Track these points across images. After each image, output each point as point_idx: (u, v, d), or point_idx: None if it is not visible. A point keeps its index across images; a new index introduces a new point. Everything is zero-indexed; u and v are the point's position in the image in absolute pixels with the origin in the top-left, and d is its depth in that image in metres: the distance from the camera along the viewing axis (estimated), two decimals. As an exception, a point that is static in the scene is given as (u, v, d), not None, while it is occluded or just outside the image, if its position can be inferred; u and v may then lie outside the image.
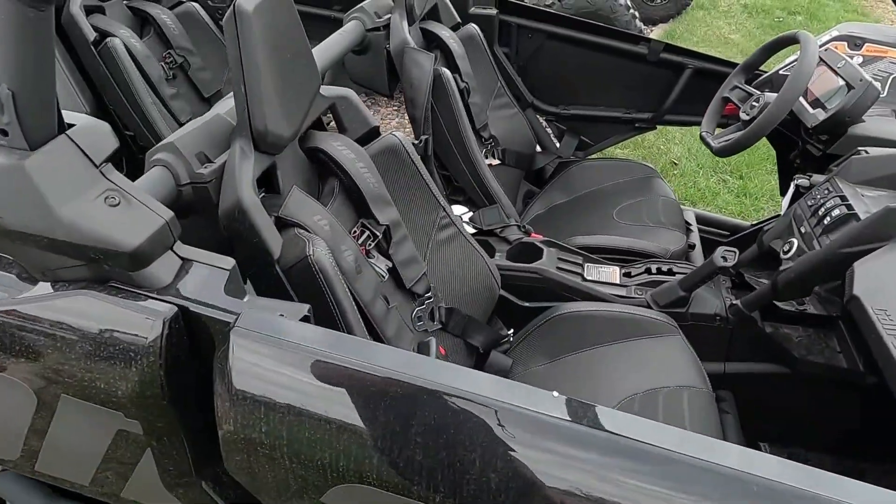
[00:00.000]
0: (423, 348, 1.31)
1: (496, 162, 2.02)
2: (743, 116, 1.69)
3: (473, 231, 1.70)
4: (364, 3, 1.66)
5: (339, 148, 1.18)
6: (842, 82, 1.60)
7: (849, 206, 1.34)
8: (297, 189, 1.07)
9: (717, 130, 1.85)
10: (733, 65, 2.03)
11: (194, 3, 2.06)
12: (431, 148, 1.63)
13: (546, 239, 1.69)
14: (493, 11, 2.07)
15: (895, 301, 1.02)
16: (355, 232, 1.20)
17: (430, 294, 1.32)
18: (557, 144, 2.32)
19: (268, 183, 1.09)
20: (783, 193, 2.21)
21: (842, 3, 6.12)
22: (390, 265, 1.24)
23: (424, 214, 1.36)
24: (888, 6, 6.17)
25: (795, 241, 1.43)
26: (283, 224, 1.03)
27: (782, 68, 1.89)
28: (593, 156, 2.37)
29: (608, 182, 2.12)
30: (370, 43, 1.63)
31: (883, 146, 1.54)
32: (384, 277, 1.22)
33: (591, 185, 2.13)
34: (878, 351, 0.99)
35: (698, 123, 2.18)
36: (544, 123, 2.40)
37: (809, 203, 1.45)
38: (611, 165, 2.17)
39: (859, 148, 1.50)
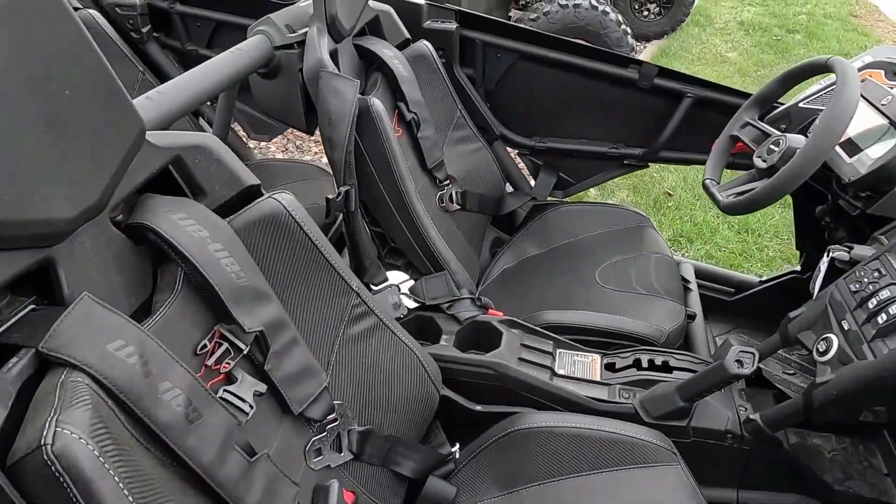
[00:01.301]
0: (319, 495, 0.91)
1: (455, 207, 1.62)
2: (759, 163, 1.29)
3: (415, 305, 1.30)
4: (275, 13, 1.27)
5: (182, 224, 0.79)
6: (885, 122, 1.20)
7: None
8: (87, 299, 0.67)
9: (725, 174, 1.45)
10: (743, 94, 1.63)
11: (91, 11, 1.67)
12: (357, 201, 1.23)
13: (507, 318, 1.29)
14: (453, 26, 1.68)
15: None
16: (205, 347, 0.79)
17: (333, 416, 0.94)
18: (532, 183, 1.92)
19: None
20: (800, 248, 1.81)
21: (841, 22, 5.76)
22: (262, 390, 0.84)
23: (328, 304, 0.99)
24: (888, 26, 5.82)
25: (835, 340, 1.03)
26: (43, 366, 0.62)
27: (804, 100, 1.50)
28: (574, 196, 1.97)
29: (591, 231, 1.72)
30: (280, 64, 1.24)
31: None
32: (247, 412, 0.81)
33: (570, 234, 1.72)
34: None
35: (699, 162, 1.79)
36: (516, 159, 2.00)
37: (853, 287, 1.05)
38: (595, 211, 1.76)
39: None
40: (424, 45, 1.54)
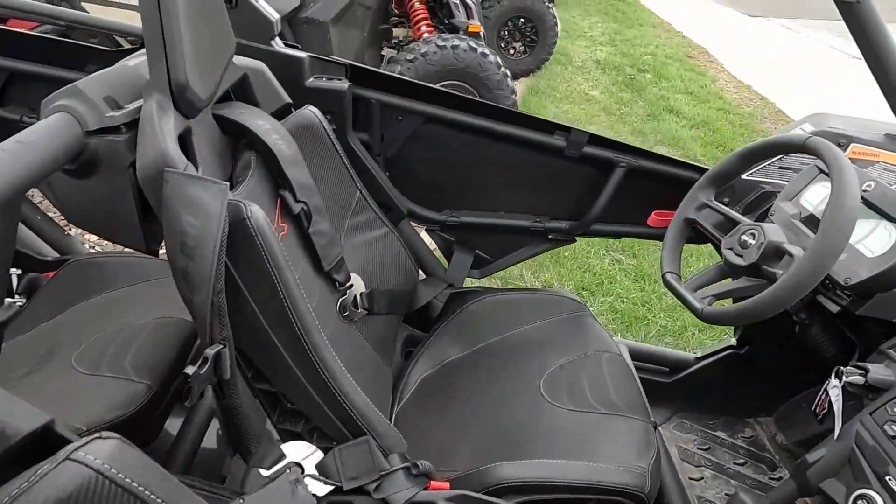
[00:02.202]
0: None
1: (361, 313, 1.24)
2: (732, 258, 1.07)
3: (327, 490, 0.89)
4: (88, 77, 0.81)
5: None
6: (873, 213, 1.02)
7: None
8: None
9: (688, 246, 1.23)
10: (680, 164, 1.44)
11: None
12: (233, 360, 0.81)
13: (457, 494, 0.93)
14: (344, 84, 1.31)
15: None
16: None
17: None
18: (446, 265, 1.60)
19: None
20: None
21: (680, 63, 6.18)
22: None
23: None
24: (717, 65, 6.35)
25: (878, 500, 0.81)
26: None
27: (747, 171, 1.33)
28: (499, 274, 1.67)
29: (523, 325, 1.42)
30: (97, 157, 0.79)
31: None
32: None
33: (499, 329, 1.41)
34: None
35: (634, 235, 1.57)
36: (426, 237, 1.67)
37: (891, 431, 0.84)
38: (525, 300, 1.47)
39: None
40: (310, 112, 1.15)
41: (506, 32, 5.03)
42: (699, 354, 1.67)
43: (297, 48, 1.30)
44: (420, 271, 1.55)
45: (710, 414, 1.66)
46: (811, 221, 1.11)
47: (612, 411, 1.18)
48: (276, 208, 1.06)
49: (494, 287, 1.51)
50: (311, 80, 1.28)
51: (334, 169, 1.21)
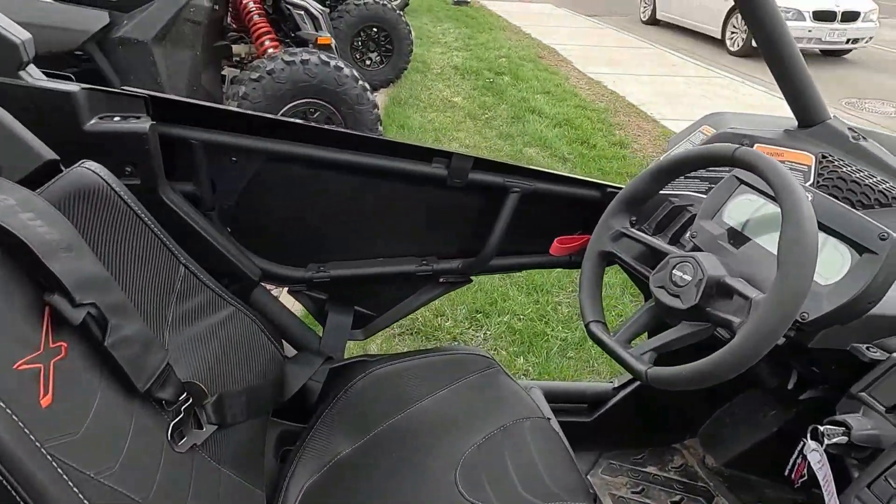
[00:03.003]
0: None
1: (206, 433, 0.89)
2: (665, 298, 0.87)
3: None
4: None
5: None
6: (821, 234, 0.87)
7: None
8: None
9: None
10: (581, 182, 1.23)
11: None
12: None
13: None
14: (145, 124, 0.93)
15: None
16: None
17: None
18: (321, 331, 1.27)
19: None
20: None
21: (533, 64, 6.27)
22: None
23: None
24: (568, 65, 6.53)
25: None
26: None
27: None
28: (392, 326, 1.38)
29: (425, 396, 1.13)
30: None
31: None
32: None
33: (397, 407, 1.11)
34: None
35: (539, 266, 1.35)
36: (290, 300, 1.33)
37: (885, 497, 0.67)
38: (422, 367, 1.18)
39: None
40: (86, 170, 0.79)
41: (359, 43, 4.75)
42: (616, 384, 1.50)
43: (68, 79, 0.91)
44: (287, 346, 1.22)
45: (636, 447, 1.49)
46: (736, 238, 0.95)
47: (548, 501, 0.94)
48: (43, 323, 0.69)
49: (383, 354, 1.22)
50: (92, 121, 0.91)
51: (140, 243, 0.85)
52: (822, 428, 0.74)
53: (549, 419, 1.27)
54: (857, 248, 0.80)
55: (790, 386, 1.08)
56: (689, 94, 5.58)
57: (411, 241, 1.26)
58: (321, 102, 2.98)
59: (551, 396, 1.44)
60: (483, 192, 1.20)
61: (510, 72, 5.76)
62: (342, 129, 1.13)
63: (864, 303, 0.78)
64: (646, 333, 0.98)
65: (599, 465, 1.45)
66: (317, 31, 3.18)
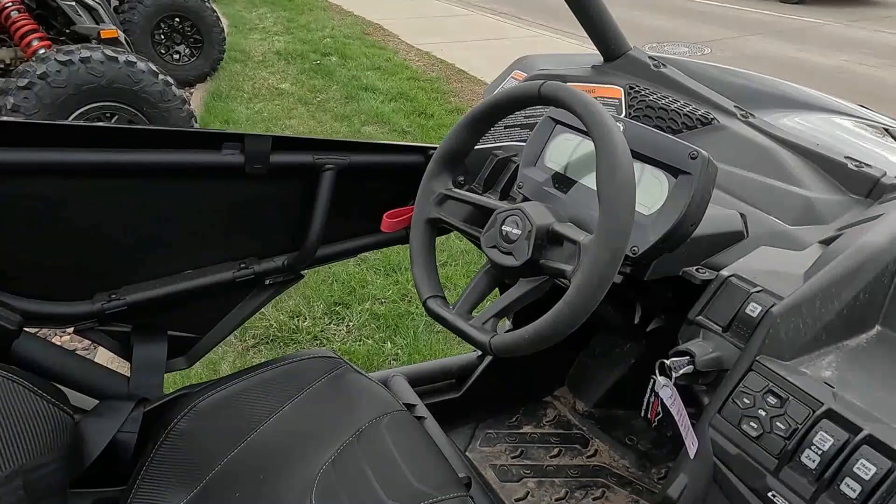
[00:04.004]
0: None
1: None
2: (499, 258, 0.79)
3: None
4: None
5: None
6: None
7: (855, 431, 0.57)
8: None
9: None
10: (402, 148, 1.12)
11: None
12: None
13: None
14: None
15: None
16: None
17: None
18: (128, 374, 1.05)
19: None
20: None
21: (360, 41, 6.07)
22: None
23: None
24: (396, 39, 6.41)
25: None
26: None
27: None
28: (243, 339, 1.18)
29: (266, 420, 0.97)
30: None
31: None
32: None
33: (233, 439, 0.94)
34: None
35: (372, 247, 1.22)
36: (80, 341, 1.08)
37: (750, 430, 0.64)
38: (260, 384, 1.01)
39: (724, 274, 0.77)
40: None
41: (161, 36, 4.24)
42: (480, 352, 1.44)
43: None
44: (86, 398, 0.99)
45: (510, 410, 1.46)
46: (562, 182, 0.89)
47: (416, 502, 0.84)
48: None
49: (209, 380, 1.02)
50: None
51: None
52: (668, 362, 0.71)
53: (414, 406, 1.18)
54: (673, 171, 0.77)
55: (636, 321, 1.08)
56: (516, 55, 5.73)
57: (221, 245, 1.08)
58: (118, 105, 2.58)
59: (416, 380, 1.35)
60: (292, 175, 1.04)
61: (337, 51, 5.52)
62: (94, 125, 0.91)
63: (687, 226, 0.75)
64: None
65: (477, 439, 1.39)
66: (98, 23, 2.74)
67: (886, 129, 1.22)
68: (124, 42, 2.80)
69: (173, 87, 2.71)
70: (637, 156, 0.80)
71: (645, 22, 7.50)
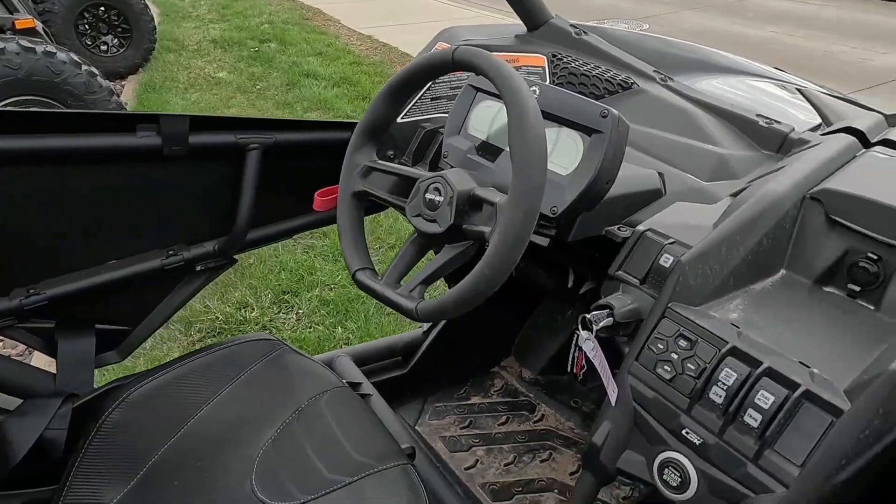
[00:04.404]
0: None
1: None
2: (424, 226, 0.79)
3: None
4: None
5: None
6: (550, 125, 0.85)
7: (755, 364, 0.60)
8: None
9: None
10: (329, 125, 1.10)
11: None
12: None
13: None
14: None
15: None
16: None
17: None
18: (54, 370, 1.01)
19: None
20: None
21: (299, 27, 5.93)
22: None
23: None
24: (336, 23, 6.29)
25: (688, 465, 0.64)
26: None
27: (400, 114, 1.07)
28: (188, 333, 1.15)
29: (202, 408, 0.95)
30: None
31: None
32: None
33: (168, 429, 0.92)
34: None
35: (306, 228, 1.21)
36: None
37: (664, 372, 0.67)
38: (194, 371, 0.97)
39: (640, 229, 0.80)
40: None
41: (86, 26, 4.04)
42: (425, 328, 1.45)
43: None
44: (9, 398, 0.95)
45: (458, 383, 1.48)
46: (488, 150, 0.90)
47: (359, 474, 0.84)
48: None
49: (143, 371, 0.99)
50: None
51: None
52: (588, 316, 0.73)
53: (359, 384, 1.18)
54: (586, 130, 0.79)
55: (570, 284, 1.10)
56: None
57: (146, 233, 1.04)
58: (39, 98, 2.45)
59: (361, 359, 1.35)
60: (216, 157, 1.02)
61: (276, 38, 5.38)
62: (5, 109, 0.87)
63: (602, 183, 0.78)
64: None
65: (426, 413, 1.40)
66: (11, 13, 2.59)
67: (799, 90, 1.28)
68: (42, 32, 2.66)
69: (98, 78, 2.59)
70: (553, 118, 0.81)
71: (595, 4, 7.58)
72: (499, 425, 1.38)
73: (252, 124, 1.03)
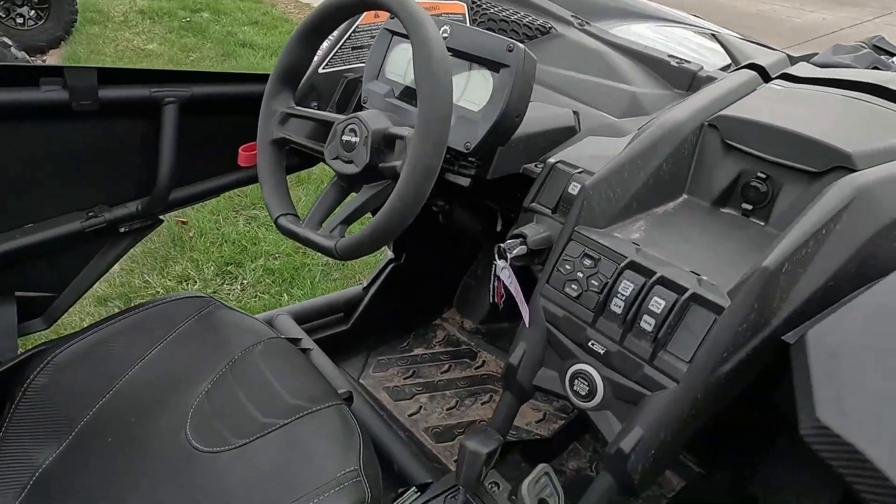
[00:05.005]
0: None
1: None
2: (342, 167, 0.80)
3: None
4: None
5: None
6: (462, 65, 0.86)
7: (667, 283, 0.65)
8: None
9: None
10: (249, 77, 1.09)
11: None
12: None
13: None
14: None
15: None
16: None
17: None
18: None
19: None
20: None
21: (234, -6, 5.71)
22: None
23: None
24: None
25: (595, 374, 0.69)
26: None
27: (321, 65, 1.06)
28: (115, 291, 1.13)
29: (132, 366, 0.95)
30: None
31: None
32: None
33: (98, 390, 0.91)
34: None
35: (234, 185, 1.20)
36: None
37: (572, 291, 0.71)
38: (123, 331, 0.95)
39: (551, 161, 0.83)
40: None
41: (-2, -3, 3.78)
42: (366, 283, 1.47)
43: None
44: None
45: (401, 337, 1.50)
46: (409, 95, 0.91)
47: (292, 416, 0.86)
48: None
49: (70, 333, 0.98)
50: None
51: None
52: (503, 245, 0.76)
53: (299, 339, 1.19)
54: (494, 66, 0.81)
55: (498, 228, 1.14)
56: None
57: (63, 195, 1.02)
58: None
59: (302, 317, 1.36)
60: (130, 112, 0.99)
61: (208, 7, 5.16)
62: None
63: (512, 117, 0.80)
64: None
65: (370, 366, 1.43)
66: None
67: (714, 35, 1.33)
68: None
69: (13, 49, 2.45)
70: (464, 56, 0.83)
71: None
72: (441, 373, 1.42)
73: (166, 77, 1.00)
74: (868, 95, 0.91)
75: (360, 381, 1.38)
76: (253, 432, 0.84)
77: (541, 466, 0.53)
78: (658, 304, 0.63)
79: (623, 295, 0.66)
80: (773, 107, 0.83)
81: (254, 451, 0.82)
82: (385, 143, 0.78)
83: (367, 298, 1.43)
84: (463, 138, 0.81)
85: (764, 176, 0.75)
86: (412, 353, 1.47)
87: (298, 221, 0.85)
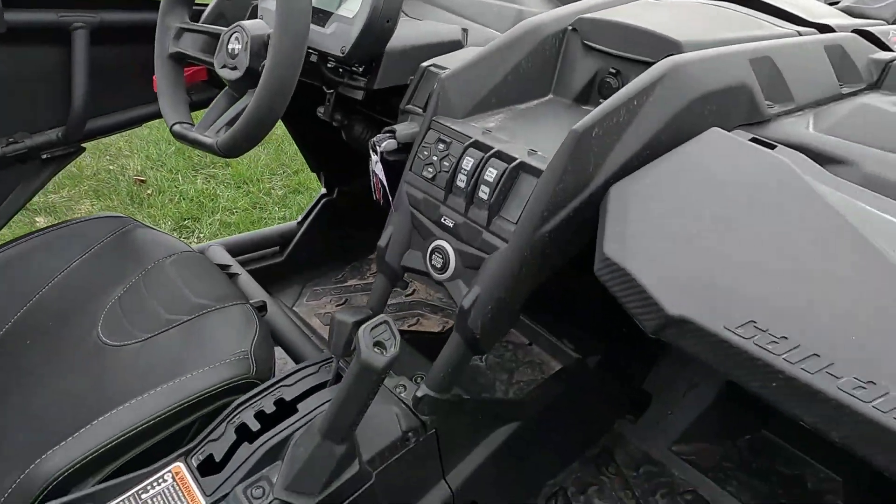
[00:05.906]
0: None
1: None
2: (228, 74, 0.86)
3: None
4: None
5: None
6: None
7: (501, 158, 0.71)
8: None
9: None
10: (157, 5, 1.13)
11: None
12: None
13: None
14: None
15: None
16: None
17: None
18: None
19: None
20: (316, 168, 1.53)
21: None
22: None
23: None
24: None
25: (447, 247, 0.75)
26: None
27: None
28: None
29: (52, 278, 1.01)
30: None
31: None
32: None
33: (17, 300, 0.98)
34: None
35: (151, 117, 1.25)
36: None
37: (428, 174, 0.77)
38: (40, 246, 1.02)
39: (424, 65, 0.88)
40: None
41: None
42: (300, 219, 1.53)
43: None
44: None
45: (336, 268, 1.57)
46: (321, 14, 0.96)
47: (196, 313, 0.93)
48: None
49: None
50: None
51: None
52: (374, 139, 0.82)
53: (227, 266, 1.24)
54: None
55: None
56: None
57: None
58: None
59: (237, 250, 1.42)
60: (38, 38, 1.04)
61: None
62: None
63: (382, 21, 0.85)
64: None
65: (304, 296, 1.49)
66: None
67: None
68: None
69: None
70: None
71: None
72: (365, 294, 1.49)
73: (74, 3, 1.05)
74: (734, 5, 0.97)
75: (294, 308, 1.45)
76: (158, 327, 0.91)
77: (381, 316, 0.60)
78: (491, 173, 0.69)
79: (465, 170, 0.72)
80: (634, 11, 0.89)
81: (158, 342, 0.89)
82: (264, 48, 0.84)
83: (300, 232, 1.49)
84: (339, 44, 0.86)
85: (615, 71, 0.81)
86: (346, 284, 1.54)
87: (192, 128, 0.90)
